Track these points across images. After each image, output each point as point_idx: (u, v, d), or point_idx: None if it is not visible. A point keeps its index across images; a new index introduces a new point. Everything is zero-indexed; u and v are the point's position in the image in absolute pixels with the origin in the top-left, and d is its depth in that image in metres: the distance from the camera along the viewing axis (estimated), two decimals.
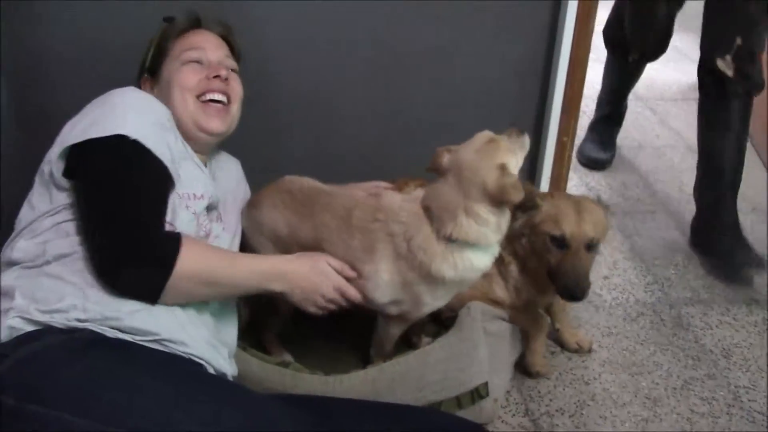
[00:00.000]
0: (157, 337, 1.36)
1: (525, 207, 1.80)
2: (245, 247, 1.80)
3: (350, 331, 1.96)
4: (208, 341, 1.47)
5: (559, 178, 2.46)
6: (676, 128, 3.50)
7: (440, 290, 1.64)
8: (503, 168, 1.53)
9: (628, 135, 3.41)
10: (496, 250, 1.64)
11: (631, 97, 3.81)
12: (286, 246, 1.75)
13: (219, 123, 1.67)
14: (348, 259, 1.64)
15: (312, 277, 1.55)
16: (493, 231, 1.57)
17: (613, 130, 3.20)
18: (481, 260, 1.61)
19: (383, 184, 1.84)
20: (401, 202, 1.65)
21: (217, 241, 1.66)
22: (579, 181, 3.00)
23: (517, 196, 1.51)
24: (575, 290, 1.78)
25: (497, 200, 1.53)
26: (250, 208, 1.83)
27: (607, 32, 2.99)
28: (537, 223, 1.81)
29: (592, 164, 3.11)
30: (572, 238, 1.78)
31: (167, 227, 1.44)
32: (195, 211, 1.54)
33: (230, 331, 1.65)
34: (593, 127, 3.21)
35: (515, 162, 1.59)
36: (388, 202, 1.66)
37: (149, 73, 1.72)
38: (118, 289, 1.34)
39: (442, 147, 1.65)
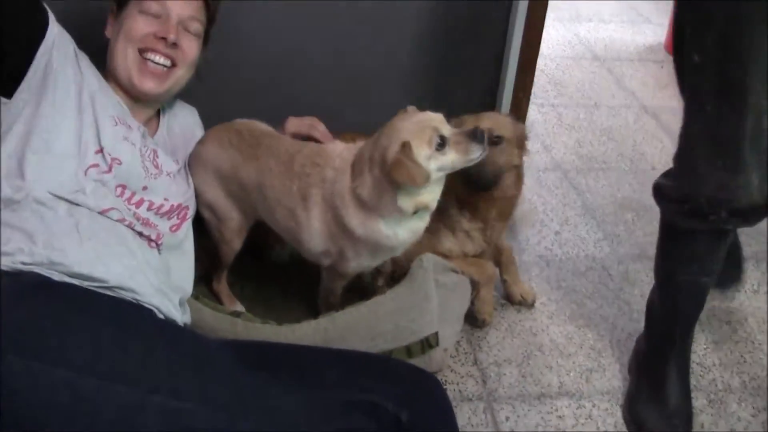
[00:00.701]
0: (104, 284, 1.36)
1: None
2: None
3: (301, 283, 1.98)
4: (157, 288, 1.47)
5: None
6: (631, 88, 3.54)
7: (362, 249, 1.65)
8: (405, 146, 1.48)
9: (584, 94, 3.44)
10: (411, 225, 1.62)
11: (588, 56, 3.87)
12: (227, 184, 1.76)
13: (153, 85, 1.65)
14: (288, 205, 1.65)
15: None
16: (388, 203, 1.55)
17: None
18: (390, 229, 1.60)
19: (321, 126, 1.85)
20: (341, 150, 1.66)
21: (174, 181, 1.66)
22: (534, 138, 3.03)
23: (400, 176, 1.47)
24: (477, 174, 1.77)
25: (385, 171, 1.50)
26: (197, 144, 1.82)
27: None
28: None
29: None
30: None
31: (107, 157, 1.48)
32: (134, 142, 1.56)
33: (184, 276, 1.65)
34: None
35: (429, 153, 1.50)
36: (329, 149, 1.67)
37: (117, 3, 1.68)
38: None
39: (409, 107, 1.63)
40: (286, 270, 2.07)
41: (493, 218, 1.93)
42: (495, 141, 1.79)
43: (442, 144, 1.51)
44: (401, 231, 1.62)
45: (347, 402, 1.35)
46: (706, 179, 1.51)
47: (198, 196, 1.77)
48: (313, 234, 1.66)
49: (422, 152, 1.49)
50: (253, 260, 2.03)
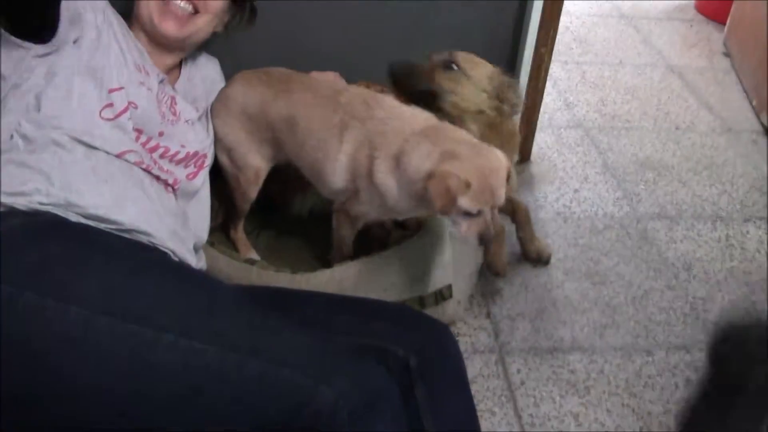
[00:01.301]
0: (120, 227, 1.37)
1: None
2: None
3: (317, 236, 1.98)
4: (173, 232, 1.48)
5: (535, 91, 2.45)
6: (658, 47, 3.47)
7: (374, 197, 1.62)
8: (465, 184, 1.41)
9: (609, 52, 3.38)
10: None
11: (615, 14, 3.80)
12: (252, 124, 1.76)
13: (173, 27, 1.64)
14: (321, 136, 1.65)
15: None
16: (407, 183, 1.52)
17: None
18: (398, 195, 1.56)
19: (342, 81, 1.85)
20: (393, 99, 1.66)
21: (192, 129, 1.67)
22: (557, 96, 2.99)
23: (434, 188, 1.42)
24: None
25: (431, 172, 1.44)
26: (223, 87, 1.83)
27: None
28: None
29: None
30: None
31: (123, 98, 1.48)
32: (150, 87, 1.56)
33: (200, 223, 1.67)
34: None
35: (461, 209, 1.43)
36: (380, 96, 1.66)
37: None
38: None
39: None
40: (303, 223, 2.08)
41: None
42: (447, 65, 1.77)
43: (472, 215, 1.45)
44: (404, 201, 1.58)
45: (357, 346, 1.36)
46: None
47: (219, 140, 1.78)
48: (338, 167, 1.64)
49: (462, 201, 1.42)
50: (271, 212, 2.04)
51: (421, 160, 1.48)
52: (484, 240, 1.49)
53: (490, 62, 1.87)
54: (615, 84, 3.12)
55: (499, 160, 1.48)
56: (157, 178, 1.54)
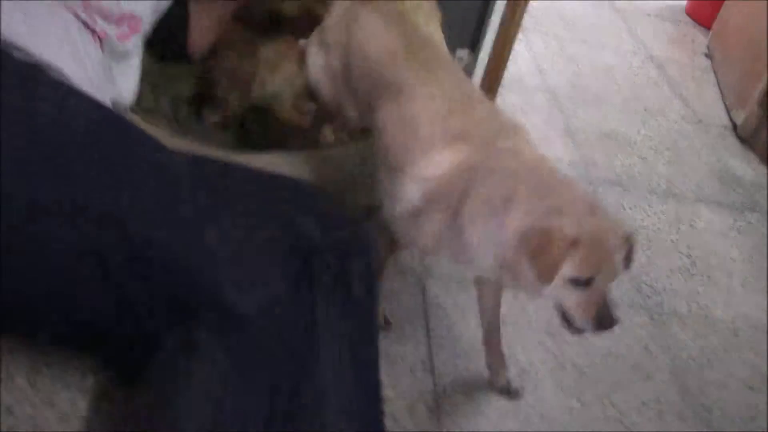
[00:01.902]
0: (31, 59, 1.29)
1: None
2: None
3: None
4: (90, 81, 1.39)
5: (504, 42, 2.38)
6: (642, 39, 3.44)
7: (451, 241, 1.33)
8: (573, 245, 1.13)
9: (593, 35, 3.34)
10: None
11: (606, 5, 3.77)
12: (357, 61, 1.50)
13: None
14: (402, 136, 1.38)
15: None
16: (495, 241, 1.23)
17: None
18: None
19: None
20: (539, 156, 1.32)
21: None
22: (531, 60, 2.94)
23: (537, 252, 1.15)
24: None
25: (537, 233, 1.15)
26: (361, 5, 1.55)
27: None
28: None
29: None
30: None
31: None
32: None
33: (125, 84, 1.57)
34: None
35: (566, 277, 1.15)
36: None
37: None
38: None
39: None
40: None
41: None
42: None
43: (582, 282, 1.16)
44: (486, 260, 1.29)
45: (268, 214, 1.29)
46: None
47: (318, 41, 1.62)
48: (403, 199, 1.34)
49: (567, 265, 1.13)
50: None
51: (520, 214, 1.19)
52: (601, 326, 1.19)
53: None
54: (592, 62, 3.08)
55: (618, 224, 1.22)
56: (85, 24, 1.45)
